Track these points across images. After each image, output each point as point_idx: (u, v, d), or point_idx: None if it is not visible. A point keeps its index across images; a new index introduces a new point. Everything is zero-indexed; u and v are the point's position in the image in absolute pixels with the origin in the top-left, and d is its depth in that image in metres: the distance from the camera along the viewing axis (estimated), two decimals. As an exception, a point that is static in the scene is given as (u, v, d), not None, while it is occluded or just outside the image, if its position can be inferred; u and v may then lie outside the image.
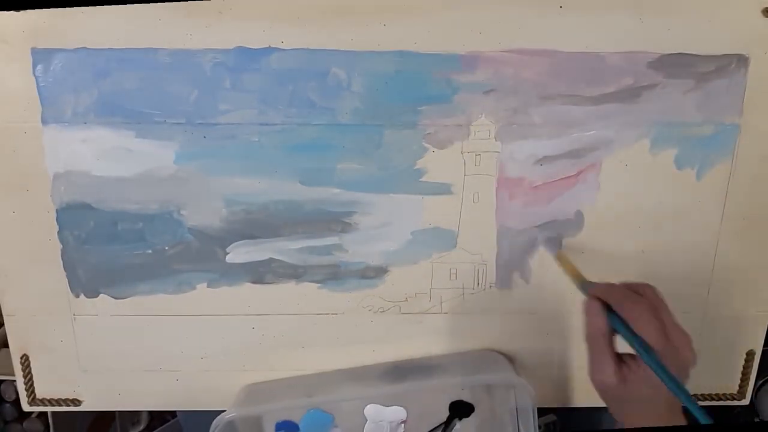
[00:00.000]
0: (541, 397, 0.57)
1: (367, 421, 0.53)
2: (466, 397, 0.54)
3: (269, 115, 0.48)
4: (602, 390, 0.41)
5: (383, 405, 0.53)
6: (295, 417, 0.54)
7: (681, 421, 0.41)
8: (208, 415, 0.51)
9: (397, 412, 0.53)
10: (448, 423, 0.53)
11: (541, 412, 0.60)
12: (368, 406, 0.53)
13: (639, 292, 0.40)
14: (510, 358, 0.55)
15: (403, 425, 0.53)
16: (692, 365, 0.39)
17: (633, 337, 0.39)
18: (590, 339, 0.40)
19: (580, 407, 0.57)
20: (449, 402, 0.54)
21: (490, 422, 0.54)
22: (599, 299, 0.41)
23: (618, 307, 0.40)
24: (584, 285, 0.44)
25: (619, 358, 0.40)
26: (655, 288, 0.41)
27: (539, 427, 0.52)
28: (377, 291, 0.53)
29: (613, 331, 0.40)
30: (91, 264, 0.51)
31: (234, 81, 0.47)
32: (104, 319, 0.53)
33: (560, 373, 0.56)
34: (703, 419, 0.36)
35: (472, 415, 0.54)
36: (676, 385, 0.37)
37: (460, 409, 0.54)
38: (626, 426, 0.42)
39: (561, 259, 0.49)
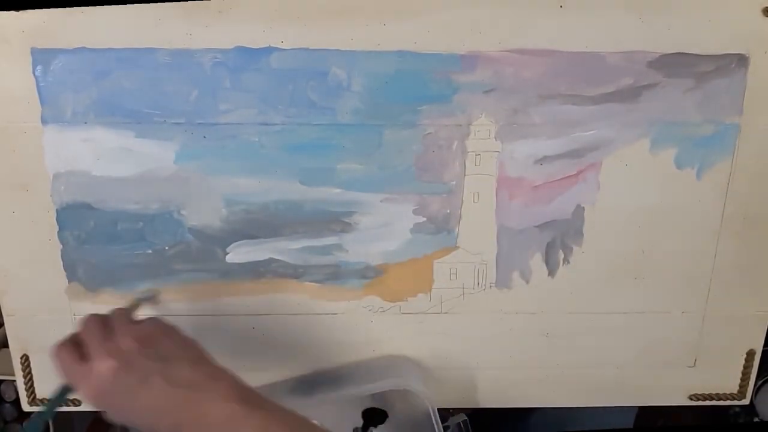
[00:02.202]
0: (540, 397, 0.57)
1: None
2: (378, 403, 0.53)
3: (269, 115, 0.48)
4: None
5: None
6: None
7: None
8: None
9: None
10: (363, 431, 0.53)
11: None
12: None
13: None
14: (418, 363, 0.54)
15: None
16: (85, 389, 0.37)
17: None
18: None
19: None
20: (362, 410, 0.53)
21: (406, 426, 0.53)
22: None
23: None
24: None
25: None
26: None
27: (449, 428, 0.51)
28: (377, 291, 0.53)
29: None
30: (91, 264, 0.51)
31: (234, 81, 0.47)
32: (104, 319, 0.53)
33: (560, 372, 0.56)
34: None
35: (387, 420, 0.53)
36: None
37: (374, 417, 0.53)
38: None
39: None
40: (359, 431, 0.53)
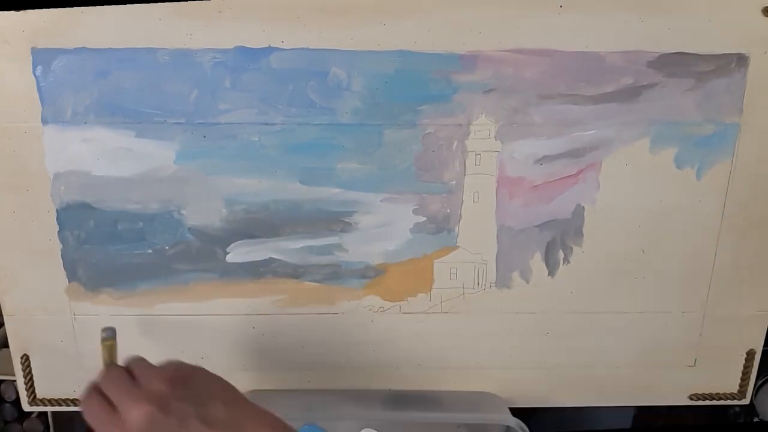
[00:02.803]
0: (540, 396, 0.57)
1: None
2: None
3: (269, 114, 0.48)
4: None
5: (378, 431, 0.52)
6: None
7: None
8: None
9: None
10: None
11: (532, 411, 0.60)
12: (364, 429, 0.52)
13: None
14: (506, 401, 0.55)
15: None
16: None
17: None
18: None
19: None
20: None
21: None
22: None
23: None
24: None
25: None
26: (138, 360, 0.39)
27: None
28: (377, 291, 0.53)
29: None
30: (92, 264, 0.51)
31: (234, 81, 0.47)
32: (104, 319, 0.53)
33: (560, 372, 0.56)
34: None
35: None
36: None
37: None
38: None
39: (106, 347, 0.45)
40: None
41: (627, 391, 0.57)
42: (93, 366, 0.55)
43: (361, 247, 0.51)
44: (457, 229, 0.51)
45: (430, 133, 0.49)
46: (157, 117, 0.48)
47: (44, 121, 0.48)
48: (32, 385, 0.55)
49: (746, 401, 0.58)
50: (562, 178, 0.50)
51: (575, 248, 0.52)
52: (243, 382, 0.55)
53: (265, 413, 0.38)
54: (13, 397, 0.66)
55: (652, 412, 0.64)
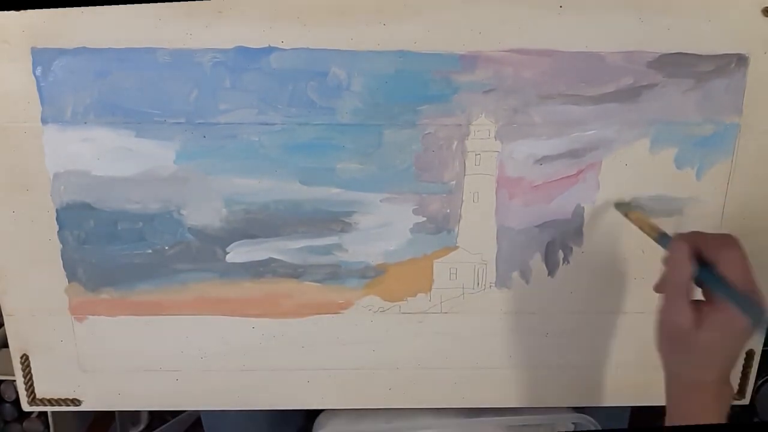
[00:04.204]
0: (540, 397, 0.57)
1: None
2: None
3: (269, 114, 0.48)
4: (672, 337, 0.41)
5: None
6: None
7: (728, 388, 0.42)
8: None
9: None
10: None
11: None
12: None
13: (726, 241, 0.41)
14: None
15: None
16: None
17: (723, 282, 0.39)
18: (672, 284, 0.40)
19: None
20: None
21: None
22: (688, 245, 0.40)
23: (712, 253, 0.40)
24: (663, 237, 0.45)
25: (695, 304, 0.40)
26: (738, 238, 0.41)
27: None
28: (377, 291, 0.53)
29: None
30: (91, 263, 0.51)
31: (234, 81, 0.47)
32: (104, 318, 0.53)
33: (560, 372, 0.56)
34: None
35: None
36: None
37: None
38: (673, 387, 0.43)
39: (635, 218, 0.48)
40: None
41: (627, 391, 0.57)
42: (93, 366, 0.55)
43: (361, 247, 0.51)
44: (456, 229, 0.51)
45: (430, 133, 0.49)
46: (156, 117, 0.48)
47: (44, 121, 0.48)
48: (32, 385, 0.55)
49: (746, 401, 0.58)
50: (562, 178, 0.50)
51: (575, 248, 0.52)
52: (243, 381, 0.55)
53: None
54: (13, 397, 0.66)
55: (648, 412, 0.64)
